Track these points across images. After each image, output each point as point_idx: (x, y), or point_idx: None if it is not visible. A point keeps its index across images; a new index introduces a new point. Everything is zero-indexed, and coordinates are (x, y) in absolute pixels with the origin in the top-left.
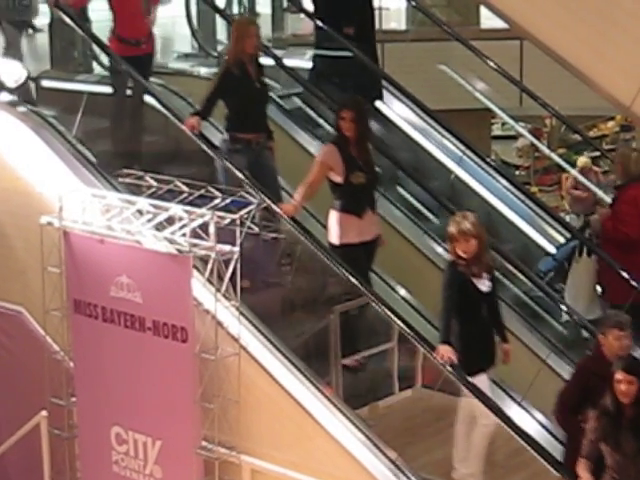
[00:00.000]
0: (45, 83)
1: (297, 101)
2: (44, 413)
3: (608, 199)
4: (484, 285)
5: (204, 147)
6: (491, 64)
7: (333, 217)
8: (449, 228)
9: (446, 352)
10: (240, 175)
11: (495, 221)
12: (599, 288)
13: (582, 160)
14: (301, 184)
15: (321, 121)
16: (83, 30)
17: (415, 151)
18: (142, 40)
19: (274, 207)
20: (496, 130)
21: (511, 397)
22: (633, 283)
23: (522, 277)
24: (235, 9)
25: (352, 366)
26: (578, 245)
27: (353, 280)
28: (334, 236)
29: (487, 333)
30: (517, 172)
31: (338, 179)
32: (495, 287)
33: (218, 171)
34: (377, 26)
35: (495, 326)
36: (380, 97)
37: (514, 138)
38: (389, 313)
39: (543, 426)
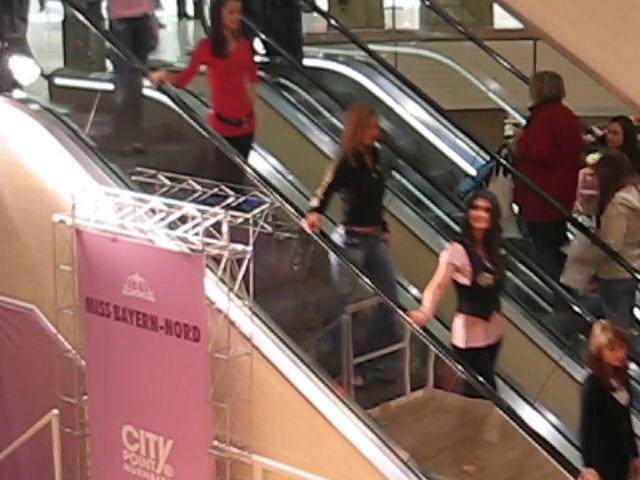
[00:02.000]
0: (58, 81)
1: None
2: (55, 411)
3: None
4: (623, 398)
5: (322, 244)
6: (504, 64)
7: (459, 320)
8: (597, 338)
9: (592, 477)
10: (357, 271)
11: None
12: (516, 207)
13: (593, 157)
14: (428, 287)
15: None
16: (97, 28)
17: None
18: (243, 119)
19: (401, 313)
20: (509, 130)
21: (523, 398)
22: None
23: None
24: None
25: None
26: (495, 165)
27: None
28: (460, 339)
29: (625, 448)
30: None
31: (464, 280)
32: (632, 399)
33: (332, 265)
34: (390, 25)
35: (630, 440)
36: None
37: None
38: (405, 317)
39: (555, 427)
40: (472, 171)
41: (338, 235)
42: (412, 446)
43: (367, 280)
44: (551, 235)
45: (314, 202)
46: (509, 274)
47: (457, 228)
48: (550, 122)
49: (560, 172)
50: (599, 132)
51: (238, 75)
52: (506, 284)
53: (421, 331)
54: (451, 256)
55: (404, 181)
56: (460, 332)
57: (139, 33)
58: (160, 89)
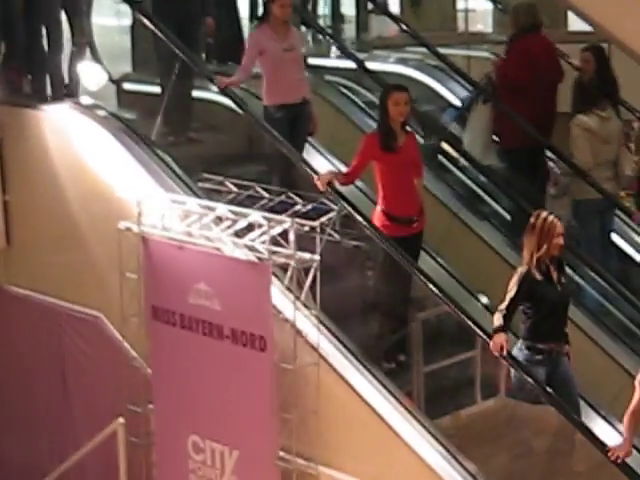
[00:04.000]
0: (126, 86)
1: None
2: (121, 420)
3: None
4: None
5: (503, 359)
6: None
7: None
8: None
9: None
10: (540, 389)
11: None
12: (496, 138)
13: None
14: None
15: None
16: (165, 35)
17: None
18: (414, 218)
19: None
20: None
21: (594, 409)
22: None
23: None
24: (320, 10)
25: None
26: (475, 94)
27: (434, 289)
28: None
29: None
30: None
31: None
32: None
33: (512, 382)
34: (463, 29)
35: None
36: None
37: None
38: (470, 323)
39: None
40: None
41: (519, 351)
42: (482, 456)
43: (551, 400)
44: (527, 161)
45: (498, 320)
46: None
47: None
48: (526, 51)
49: (537, 99)
50: (575, 62)
51: (408, 170)
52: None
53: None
54: None
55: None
56: None
57: (297, 119)
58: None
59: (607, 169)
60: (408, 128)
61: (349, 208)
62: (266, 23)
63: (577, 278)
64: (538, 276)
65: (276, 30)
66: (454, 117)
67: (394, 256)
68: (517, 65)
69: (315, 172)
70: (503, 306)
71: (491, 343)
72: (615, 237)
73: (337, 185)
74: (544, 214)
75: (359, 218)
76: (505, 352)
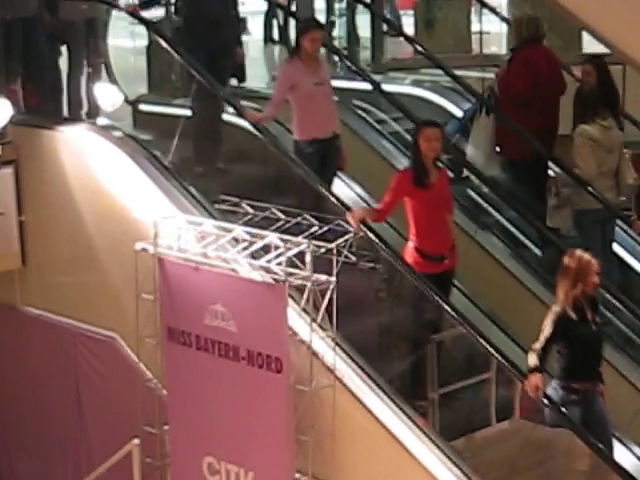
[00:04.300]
0: (142, 107)
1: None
2: (136, 441)
3: None
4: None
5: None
6: None
7: None
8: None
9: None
10: (576, 430)
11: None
12: (498, 148)
13: None
14: None
15: None
16: (180, 55)
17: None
18: (446, 255)
19: None
20: None
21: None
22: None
23: None
24: (335, 32)
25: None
26: (478, 105)
27: (448, 309)
28: None
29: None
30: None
31: None
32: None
33: (546, 419)
34: (477, 51)
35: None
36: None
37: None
38: (485, 344)
39: None
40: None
41: (554, 390)
42: (497, 479)
43: (587, 441)
44: (530, 173)
45: (533, 359)
46: None
47: None
48: (529, 62)
49: (539, 112)
50: (578, 74)
51: (440, 207)
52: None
53: None
54: None
55: (503, 220)
56: None
57: (328, 154)
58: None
59: (609, 178)
60: (439, 164)
61: (365, 229)
62: (297, 56)
63: None
64: (573, 316)
65: (307, 64)
66: (457, 129)
67: (426, 293)
68: (519, 76)
69: (348, 208)
70: (538, 346)
71: (526, 383)
72: (616, 247)
73: (369, 222)
74: (579, 253)
75: (375, 238)
76: (541, 393)
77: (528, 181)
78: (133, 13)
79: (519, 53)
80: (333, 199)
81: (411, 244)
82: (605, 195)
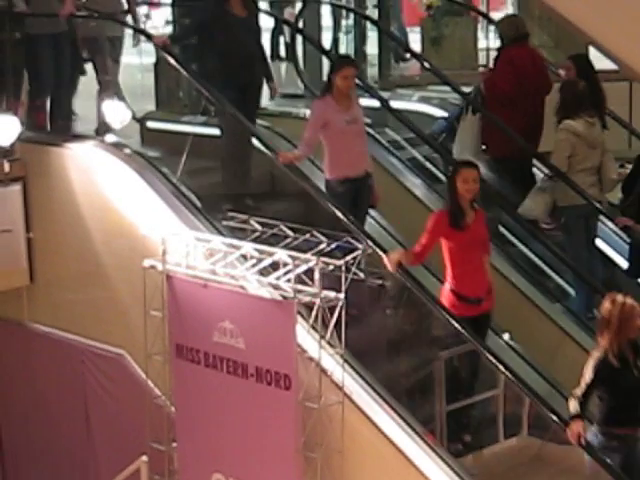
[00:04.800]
0: (150, 124)
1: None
2: (144, 458)
3: None
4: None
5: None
6: None
7: None
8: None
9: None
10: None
11: None
12: (484, 147)
13: None
14: None
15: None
16: (188, 72)
17: None
18: (483, 297)
19: None
20: None
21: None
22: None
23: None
24: (342, 49)
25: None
26: (464, 105)
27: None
28: None
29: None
30: None
31: None
32: None
33: (587, 466)
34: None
35: None
36: None
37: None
38: (495, 361)
39: None
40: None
41: (594, 436)
42: None
43: None
44: (515, 171)
45: (574, 406)
46: None
47: None
48: (513, 62)
49: (524, 110)
50: (562, 73)
51: (477, 249)
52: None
53: None
54: None
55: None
56: None
57: (360, 193)
58: None
59: (592, 174)
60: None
61: (373, 246)
62: (329, 94)
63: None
64: (615, 362)
65: (339, 101)
66: (443, 128)
67: (464, 337)
68: (503, 75)
69: (384, 251)
70: (579, 392)
71: (568, 431)
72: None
73: (406, 265)
74: (620, 298)
75: (383, 256)
76: (583, 440)
77: (514, 179)
78: (164, 47)
79: (504, 53)
80: (368, 241)
81: (447, 286)
82: (588, 191)
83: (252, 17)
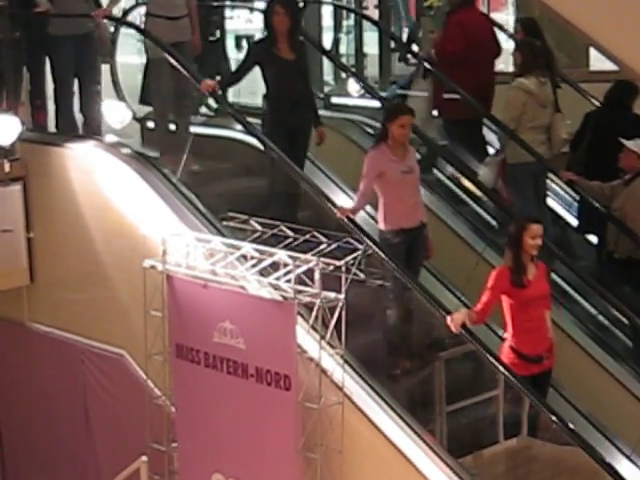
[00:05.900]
0: (151, 124)
1: None
2: (144, 458)
3: None
4: None
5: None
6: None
7: None
8: None
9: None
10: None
11: None
12: (435, 112)
13: None
14: None
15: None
16: (188, 71)
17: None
18: (544, 355)
19: None
20: None
21: (619, 449)
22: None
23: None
24: (342, 49)
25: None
26: (415, 69)
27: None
28: None
29: None
30: None
31: None
32: None
33: None
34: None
35: None
36: None
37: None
38: (494, 361)
39: None
40: None
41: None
42: None
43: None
44: (468, 132)
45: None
46: None
47: None
48: (462, 24)
49: (474, 72)
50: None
51: (538, 305)
52: None
53: None
54: None
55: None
56: None
57: (414, 244)
58: None
59: (541, 133)
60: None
61: (373, 246)
62: (384, 143)
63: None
64: None
65: (394, 151)
66: (395, 94)
67: (525, 396)
68: (452, 38)
69: (448, 312)
70: None
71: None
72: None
73: (469, 324)
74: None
75: (383, 256)
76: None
77: (468, 139)
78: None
79: (453, 16)
80: (428, 298)
81: (508, 344)
82: (537, 149)
83: (300, 60)
